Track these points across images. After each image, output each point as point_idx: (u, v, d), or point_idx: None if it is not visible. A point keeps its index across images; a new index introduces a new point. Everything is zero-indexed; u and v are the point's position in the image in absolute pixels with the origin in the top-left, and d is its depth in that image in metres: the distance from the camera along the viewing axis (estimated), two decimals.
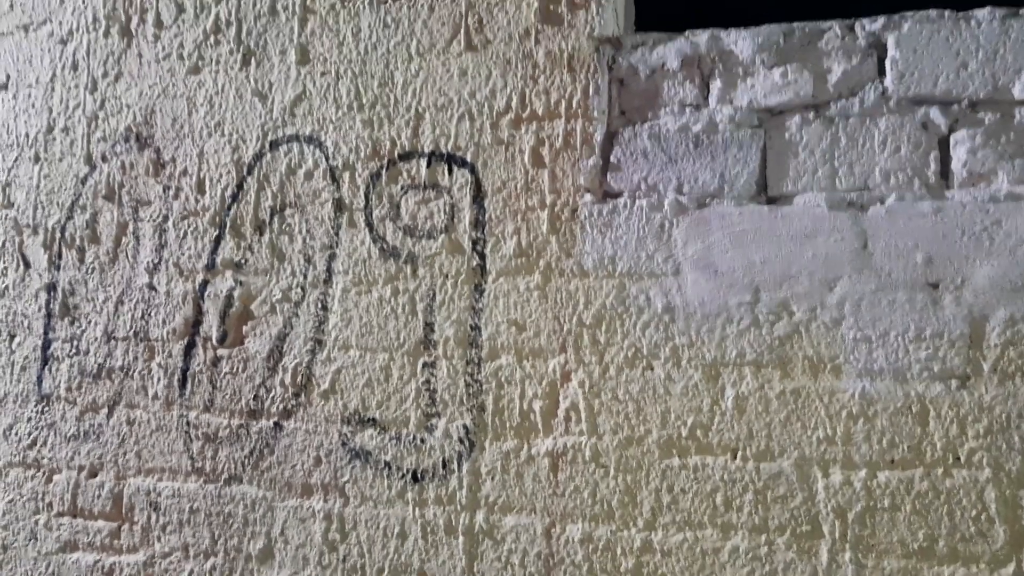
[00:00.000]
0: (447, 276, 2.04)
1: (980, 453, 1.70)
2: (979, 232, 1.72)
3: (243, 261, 2.19)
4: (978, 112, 1.76)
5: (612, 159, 1.98)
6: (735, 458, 1.83)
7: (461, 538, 1.99)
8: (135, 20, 2.32)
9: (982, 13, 1.77)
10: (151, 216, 2.29)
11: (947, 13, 1.79)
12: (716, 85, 1.92)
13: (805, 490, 1.78)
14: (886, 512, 1.73)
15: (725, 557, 1.82)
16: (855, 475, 1.75)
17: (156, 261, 2.26)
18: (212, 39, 2.26)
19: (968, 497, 1.70)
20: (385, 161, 2.10)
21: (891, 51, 1.81)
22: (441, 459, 2.02)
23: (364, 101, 2.12)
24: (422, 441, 2.04)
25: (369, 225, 2.10)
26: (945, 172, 1.78)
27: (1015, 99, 1.74)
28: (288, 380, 2.14)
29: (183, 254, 2.25)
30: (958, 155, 1.77)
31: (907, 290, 1.75)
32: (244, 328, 2.19)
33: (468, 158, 2.05)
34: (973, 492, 1.70)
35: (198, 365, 2.21)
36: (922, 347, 1.73)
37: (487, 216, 2.03)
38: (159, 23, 2.30)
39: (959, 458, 1.71)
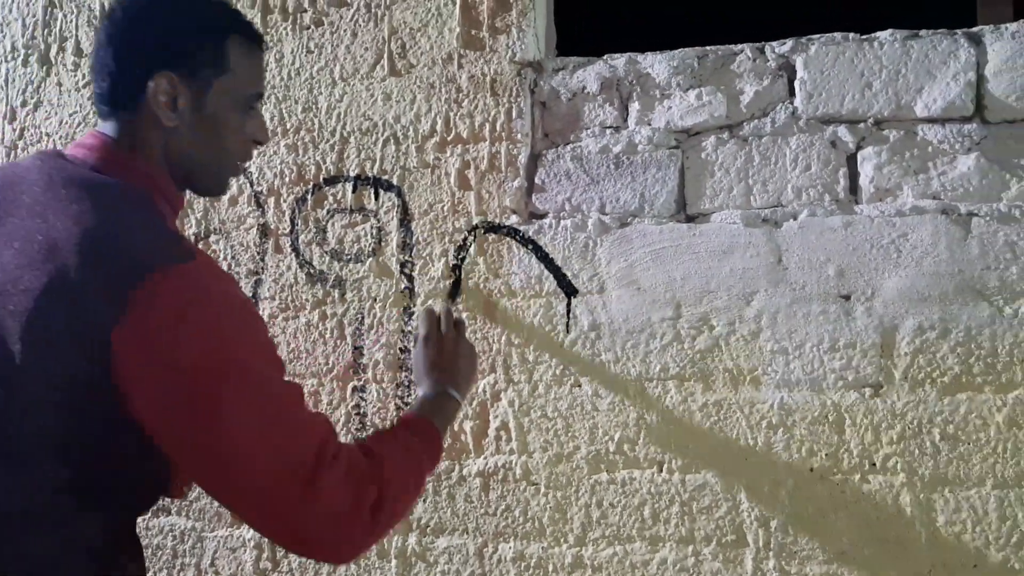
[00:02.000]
0: (375, 299, 2.05)
1: (895, 459, 1.75)
2: (887, 245, 1.78)
3: None
4: (883, 130, 1.84)
5: (537, 180, 2.01)
6: (661, 471, 1.86)
7: (394, 561, 1.98)
8: (54, 49, 2.29)
9: (884, 35, 1.85)
10: None
11: (851, 36, 1.86)
12: (635, 107, 1.97)
13: (729, 500, 1.82)
14: (807, 519, 1.78)
15: (654, 569, 1.84)
16: (777, 484, 1.80)
17: None
18: None
19: (885, 502, 1.75)
20: (311, 186, 2.10)
21: (800, 72, 1.88)
22: None
23: (288, 126, 2.12)
24: None
25: (295, 250, 2.10)
26: (854, 188, 1.85)
27: (917, 117, 1.81)
28: None
29: None
30: (865, 171, 1.83)
31: (821, 302, 1.80)
32: None
33: (394, 181, 2.06)
34: (889, 497, 1.75)
35: None
36: (836, 357, 1.79)
37: (415, 239, 2.04)
38: (79, 51, 2.27)
39: (875, 464, 1.76)
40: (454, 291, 1.75)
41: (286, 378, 1.10)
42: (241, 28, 1.21)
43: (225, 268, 2.13)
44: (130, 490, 1.09)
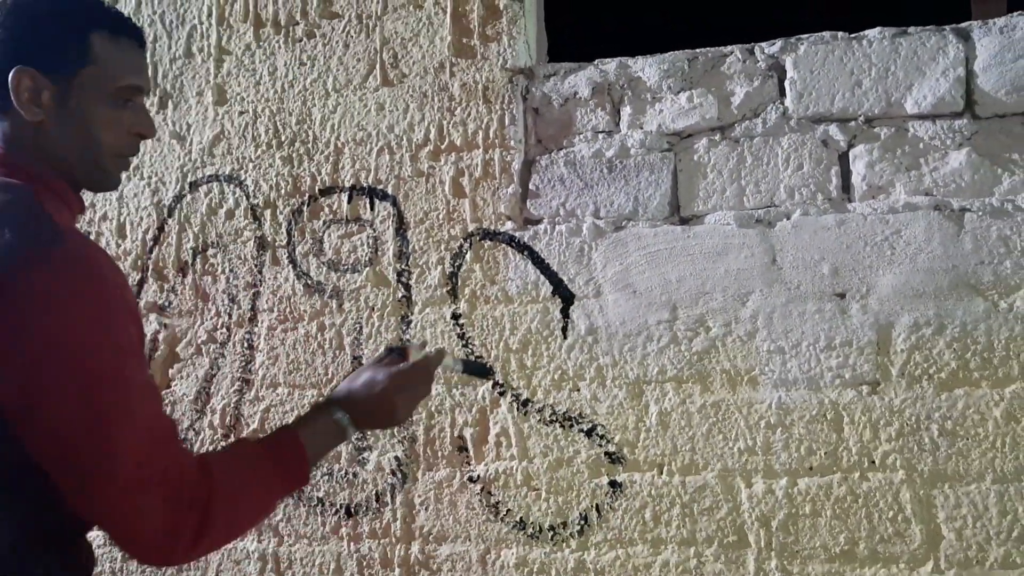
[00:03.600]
0: (373, 309, 2.06)
1: (893, 456, 1.75)
2: (880, 242, 1.79)
3: (167, 304, 2.18)
4: (874, 127, 1.84)
5: (531, 186, 2.01)
6: (661, 473, 1.86)
7: (397, 570, 1.99)
8: None
9: (873, 33, 1.86)
10: None
11: (840, 35, 1.87)
12: (626, 111, 1.98)
13: (730, 501, 1.82)
14: (808, 518, 1.78)
15: (656, 572, 1.84)
16: (776, 484, 1.80)
17: None
18: None
19: (885, 499, 1.75)
20: (306, 197, 2.11)
21: (790, 73, 1.88)
22: (374, 492, 2.02)
23: (283, 139, 2.13)
24: (354, 475, 2.03)
25: (293, 261, 2.11)
26: (846, 186, 1.85)
27: (907, 114, 1.82)
28: (217, 421, 2.13)
29: None
30: (857, 169, 1.84)
31: (816, 301, 1.81)
32: (170, 371, 2.18)
33: (389, 191, 2.07)
34: (889, 494, 1.75)
35: None
36: (833, 355, 1.79)
37: (411, 247, 2.05)
38: None
39: (874, 461, 1.76)
40: (476, 370, 1.53)
41: (141, 376, 1.09)
42: (107, 21, 1.19)
43: (223, 281, 2.13)
44: (23, 486, 1.07)
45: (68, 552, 1.12)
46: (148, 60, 2.24)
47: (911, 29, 1.83)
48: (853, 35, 1.86)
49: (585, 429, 1.91)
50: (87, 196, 2.17)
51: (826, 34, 1.88)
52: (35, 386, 1.00)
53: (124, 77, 1.20)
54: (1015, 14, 1.80)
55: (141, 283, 2.20)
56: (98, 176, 1.22)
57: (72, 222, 1.17)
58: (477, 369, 1.59)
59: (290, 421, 1.26)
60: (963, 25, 1.82)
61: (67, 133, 1.16)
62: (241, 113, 2.17)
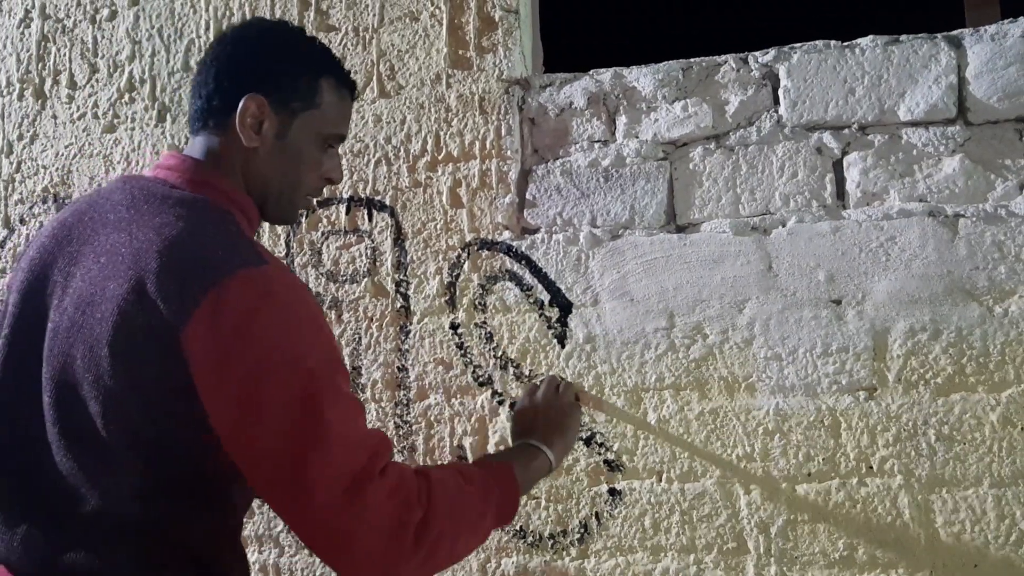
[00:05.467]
0: (372, 319, 2.07)
1: (891, 461, 1.76)
2: (875, 248, 1.80)
3: None
4: (868, 135, 1.85)
5: (528, 196, 2.03)
6: (660, 480, 1.87)
7: None
8: (48, 82, 2.32)
9: (865, 41, 1.87)
10: None
11: (833, 43, 1.89)
12: (622, 120, 1.99)
13: (729, 508, 1.83)
14: (807, 524, 1.79)
15: None
16: (775, 490, 1.80)
17: None
18: (127, 97, 2.27)
19: (883, 504, 1.76)
20: (304, 209, 2.12)
21: (783, 81, 1.90)
22: None
23: None
24: None
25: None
26: (841, 193, 1.86)
27: (901, 121, 1.83)
28: None
29: None
30: (852, 176, 1.85)
31: (812, 307, 1.82)
32: None
33: (387, 201, 2.08)
34: (887, 499, 1.76)
35: None
36: (829, 362, 1.80)
37: (409, 258, 2.06)
38: (73, 84, 2.30)
39: (872, 467, 1.77)
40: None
41: (349, 390, 1.11)
42: (337, 71, 1.25)
43: None
44: (220, 494, 1.11)
45: (239, 561, 1.16)
46: (147, 73, 2.26)
47: (903, 37, 1.85)
48: (846, 43, 1.88)
49: (584, 437, 1.92)
50: None
51: (819, 43, 1.89)
52: (253, 400, 1.00)
53: (338, 125, 1.26)
54: (1006, 21, 1.81)
55: None
56: (286, 210, 1.27)
57: (253, 237, 1.20)
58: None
59: (494, 453, 1.32)
60: (955, 33, 1.84)
61: (275, 165, 1.20)
62: None
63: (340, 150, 1.33)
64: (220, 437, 1.02)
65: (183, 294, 0.99)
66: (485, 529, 1.20)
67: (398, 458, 2.02)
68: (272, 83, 1.18)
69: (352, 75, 1.28)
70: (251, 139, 1.17)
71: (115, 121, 2.27)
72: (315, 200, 1.40)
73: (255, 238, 1.19)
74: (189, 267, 1.01)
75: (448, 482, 1.14)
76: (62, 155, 2.30)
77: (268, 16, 2.19)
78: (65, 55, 2.32)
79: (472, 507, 1.16)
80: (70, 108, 2.30)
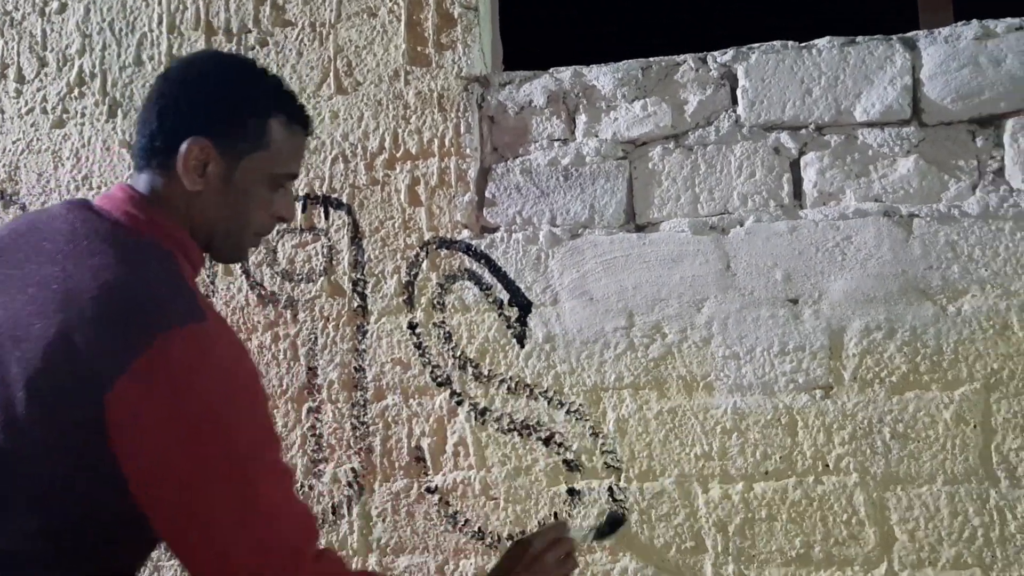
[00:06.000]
0: (328, 319, 2.04)
1: (847, 459, 1.77)
2: (832, 248, 1.81)
3: None
4: (824, 135, 1.87)
5: (487, 194, 2.01)
6: (619, 480, 1.87)
7: None
8: None
9: (822, 42, 1.88)
10: None
11: (791, 44, 1.89)
12: (582, 119, 1.98)
13: (687, 507, 1.83)
14: (764, 522, 1.79)
15: None
16: (733, 488, 1.81)
17: None
18: (76, 92, 2.21)
19: (839, 502, 1.77)
20: None
21: (742, 81, 1.90)
22: (331, 505, 2.00)
23: None
24: (310, 488, 2.01)
25: (246, 272, 2.08)
26: (798, 193, 1.87)
27: (857, 121, 1.85)
28: None
29: None
30: (809, 176, 1.86)
31: (769, 306, 1.82)
32: None
33: (344, 199, 2.05)
34: (843, 497, 1.77)
35: None
36: (786, 360, 1.81)
37: (366, 256, 2.03)
38: (21, 78, 2.24)
39: (828, 465, 1.78)
40: (607, 530, 1.44)
41: (281, 458, 1.08)
42: (288, 108, 1.20)
43: None
44: (117, 548, 1.06)
45: None
46: (98, 68, 2.21)
47: (859, 38, 1.87)
48: (803, 44, 1.89)
49: (543, 437, 1.91)
50: (34, 207, 2.12)
51: (777, 43, 1.90)
52: (182, 464, 0.96)
53: (288, 164, 1.21)
54: (959, 24, 1.84)
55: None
56: (233, 251, 1.22)
57: (195, 279, 1.17)
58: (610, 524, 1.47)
59: None
60: (909, 35, 1.85)
61: (221, 208, 1.15)
62: None
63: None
64: (136, 493, 0.98)
65: (116, 347, 0.95)
66: None
67: (355, 459, 1.99)
68: (217, 125, 1.13)
69: (305, 110, 1.22)
70: (194, 183, 1.12)
71: (64, 116, 2.22)
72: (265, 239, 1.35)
73: (197, 280, 1.17)
74: (125, 317, 0.97)
75: None
76: (9, 151, 2.23)
77: (223, 11, 2.15)
78: (13, 48, 2.26)
79: None
80: (18, 103, 2.24)
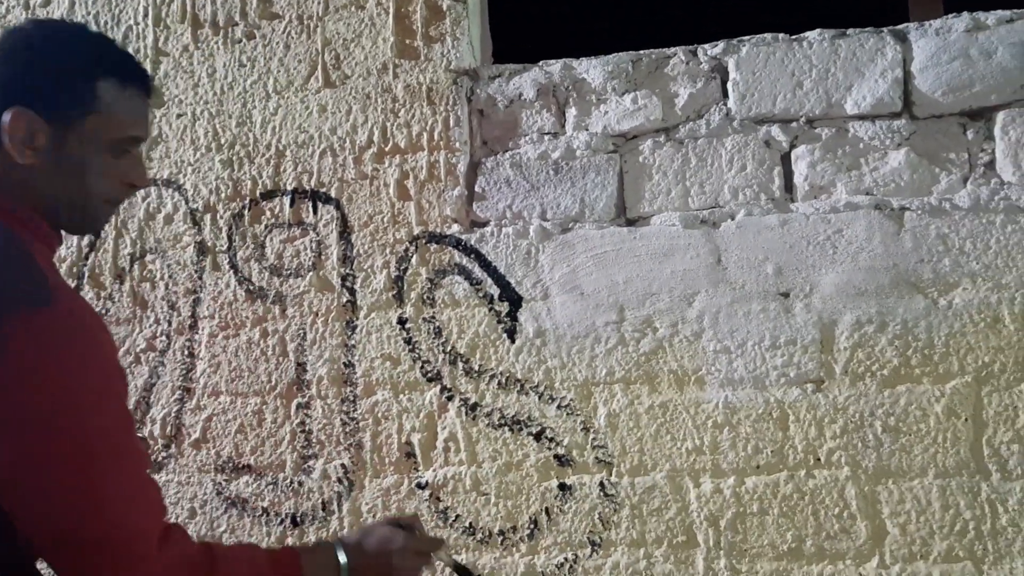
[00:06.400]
0: (317, 314, 2.02)
1: (839, 453, 1.77)
2: (823, 241, 1.80)
3: (104, 311, 2.11)
4: (815, 128, 1.86)
5: (477, 188, 2.00)
6: (611, 475, 1.86)
7: None
8: None
9: (813, 35, 1.87)
10: None
11: (781, 36, 1.89)
12: (572, 113, 1.97)
13: (679, 501, 1.82)
14: (755, 517, 1.79)
15: (607, 574, 1.84)
16: (724, 483, 1.80)
17: None
18: None
19: (831, 496, 1.77)
20: (247, 201, 2.07)
21: (732, 74, 1.89)
22: (320, 501, 1.99)
23: (223, 141, 2.09)
24: (300, 484, 2.00)
25: (234, 267, 2.06)
26: (789, 186, 1.87)
27: (848, 114, 1.84)
28: (157, 431, 2.07)
29: None
30: (800, 169, 1.86)
31: (760, 300, 1.82)
32: None
33: (332, 194, 2.04)
34: (835, 491, 1.77)
35: None
36: (778, 354, 1.80)
37: (355, 251, 2.02)
38: None
39: (819, 459, 1.78)
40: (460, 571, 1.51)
41: (137, 443, 1.07)
42: (116, 69, 1.15)
43: (162, 288, 2.08)
44: None
45: None
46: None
47: (850, 31, 1.86)
48: (794, 37, 1.88)
49: (534, 432, 1.90)
50: None
51: (767, 36, 1.89)
52: (27, 453, 0.95)
53: (126, 127, 1.15)
54: (950, 16, 1.83)
55: (77, 290, 2.13)
56: (84, 221, 1.17)
57: (51, 257, 1.13)
58: (462, 571, 1.56)
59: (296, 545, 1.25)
60: (900, 27, 1.85)
61: (59, 178, 1.11)
62: (179, 116, 2.12)
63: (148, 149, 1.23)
64: None
65: None
66: None
67: (344, 455, 1.98)
68: (38, 93, 1.09)
69: (142, 71, 1.15)
70: (24, 156, 1.08)
71: None
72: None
73: (54, 249, 1.14)
74: None
75: (232, 558, 1.11)
76: None
77: (209, 4, 2.13)
78: None
79: None
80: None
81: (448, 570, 1.43)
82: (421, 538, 1.31)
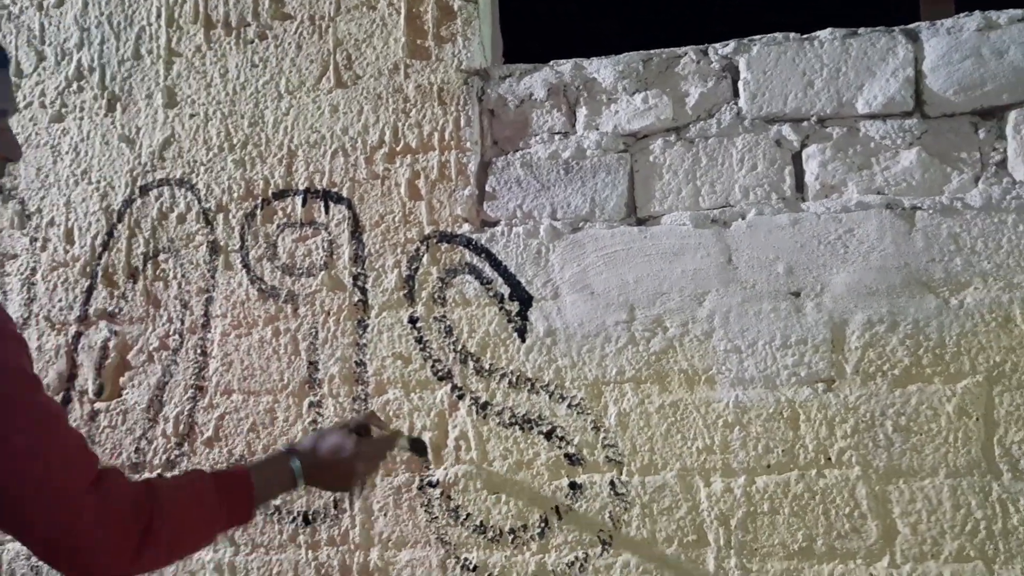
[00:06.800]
0: (329, 313, 2.03)
1: (849, 452, 1.77)
2: (834, 241, 1.80)
3: (117, 310, 2.13)
4: (826, 127, 1.86)
5: (487, 188, 2.00)
6: (621, 474, 1.86)
7: None
8: None
9: (824, 34, 1.87)
10: (18, 269, 2.21)
11: (792, 35, 1.89)
12: (582, 112, 1.98)
13: (689, 500, 1.82)
14: (766, 516, 1.79)
15: (617, 573, 1.84)
16: (735, 482, 1.80)
17: (25, 316, 2.18)
18: (75, 86, 2.21)
19: (841, 495, 1.77)
20: (259, 201, 2.08)
21: (743, 73, 1.89)
22: (332, 499, 2.00)
23: (235, 141, 2.10)
24: None
25: (246, 266, 2.07)
26: (800, 185, 1.87)
27: (859, 113, 1.84)
28: (170, 430, 2.08)
29: (54, 307, 2.17)
30: (811, 169, 1.85)
31: (771, 300, 1.82)
32: (121, 379, 2.13)
33: (344, 193, 2.05)
34: (845, 490, 1.77)
35: (75, 421, 2.13)
36: (788, 354, 1.80)
37: (366, 251, 2.03)
38: (19, 72, 2.23)
39: (830, 459, 1.78)
40: (417, 448, 1.59)
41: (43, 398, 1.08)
42: None
43: (175, 287, 2.10)
44: None
45: None
46: (96, 62, 2.20)
47: (861, 30, 1.86)
48: (805, 36, 1.88)
49: (544, 431, 1.91)
50: (33, 201, 2.11)
51: (778, 35, 1.89)
52: None
53: None
54: (962, 15, 1.83)
55: (90, 290, 2.15)
56: None
57: None
58: (418, 446, 1.67)
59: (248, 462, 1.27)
60: (912, 26, 1.85)
61: None
62: (192, 116, 2.14)
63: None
64: None
65: None
66: (211, 536, 1.20)
67: None
68: None
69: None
70: None
71: (63, 110, 2.21)
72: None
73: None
74: None
75: (177, 501, 1.12)
76: None
77: (222, 4, 2.14)
78: (11, 42, 2.25)
79: (198, 521, 1.16)
80: (16, 97, 2.23)
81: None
82: (375, 439, 1.33)
